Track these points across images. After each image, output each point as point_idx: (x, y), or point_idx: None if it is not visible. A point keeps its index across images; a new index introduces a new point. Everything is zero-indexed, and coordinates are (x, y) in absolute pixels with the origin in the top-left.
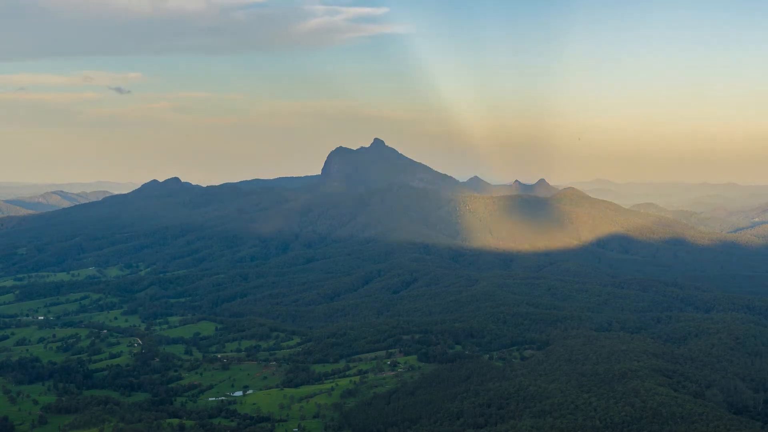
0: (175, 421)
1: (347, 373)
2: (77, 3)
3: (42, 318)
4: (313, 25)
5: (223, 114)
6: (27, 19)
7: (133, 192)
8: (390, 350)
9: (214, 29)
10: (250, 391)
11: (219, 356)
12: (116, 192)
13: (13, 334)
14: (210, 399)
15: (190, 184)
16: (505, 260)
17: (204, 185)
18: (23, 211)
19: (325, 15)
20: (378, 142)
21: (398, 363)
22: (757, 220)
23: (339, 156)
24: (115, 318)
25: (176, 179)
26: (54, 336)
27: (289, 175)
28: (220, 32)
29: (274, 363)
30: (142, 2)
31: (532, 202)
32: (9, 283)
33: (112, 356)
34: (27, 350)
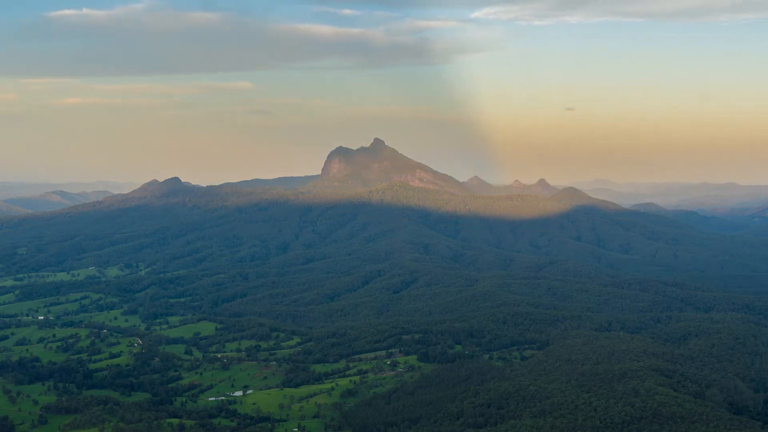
0: (175, 421)
1: (347, 373)
2: (276, 28)
3: (42, 318)
4: (440, 46)
5: (297, 116)
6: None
7: (133, 192)
8: (390, 350)
9: (378, 49)
10: (250, 391)
11: (219, 356)
12: (116, 192)
13: (13, 334)
14: (210, 399)
15: (190, 184)
16: (505, 260)
17: (204, 185)
18: (23, 211)
19: (454, 34)
20: (378, 142)
21: (398, 363)
22: (757, 219)
23: (339, 156)
24: (115, 318)
25: (176, 179)
26: (54, 336)
27: (288, 175)
28: (380, 53)
29: (274, 363)
30: (325, 30)
31: (531, 201)
32: (9, 283)
33: (112, 356)
34: (27, 350)
